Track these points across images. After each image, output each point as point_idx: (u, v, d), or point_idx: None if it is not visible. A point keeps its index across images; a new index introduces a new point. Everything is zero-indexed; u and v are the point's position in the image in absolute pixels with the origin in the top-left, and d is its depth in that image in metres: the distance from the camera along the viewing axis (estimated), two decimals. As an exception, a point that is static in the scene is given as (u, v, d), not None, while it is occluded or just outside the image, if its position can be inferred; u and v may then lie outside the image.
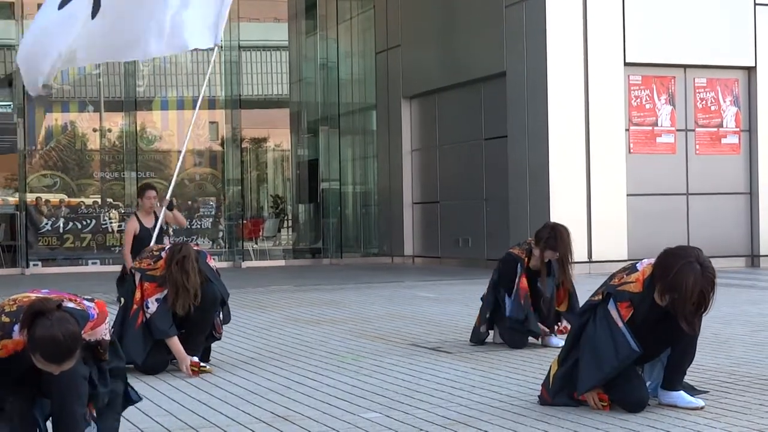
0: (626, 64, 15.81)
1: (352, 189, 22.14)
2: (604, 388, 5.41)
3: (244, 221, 21.35)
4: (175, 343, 6.89)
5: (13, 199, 20.59)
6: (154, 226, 10.98)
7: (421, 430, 5.03)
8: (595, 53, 15.60)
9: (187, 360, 6.85)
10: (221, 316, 7.29)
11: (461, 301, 11.53)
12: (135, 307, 6.92)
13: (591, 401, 5.41)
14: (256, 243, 21.94)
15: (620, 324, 5.31)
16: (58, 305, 3.98)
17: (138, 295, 6.95)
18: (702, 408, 5.33)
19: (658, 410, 5.35)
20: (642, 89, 16.08)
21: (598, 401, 5.39)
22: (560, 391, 5.52)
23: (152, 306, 6.89)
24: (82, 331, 4.02)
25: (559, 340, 7.76)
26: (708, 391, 5.75)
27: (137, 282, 6.98)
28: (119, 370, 4.39)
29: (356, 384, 6.33)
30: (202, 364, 6.98)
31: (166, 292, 6.88)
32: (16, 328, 4.00)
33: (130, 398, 4.51)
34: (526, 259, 7.69)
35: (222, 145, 21.56)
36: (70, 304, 4.07)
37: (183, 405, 5.79)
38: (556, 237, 7.54)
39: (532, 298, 7.68)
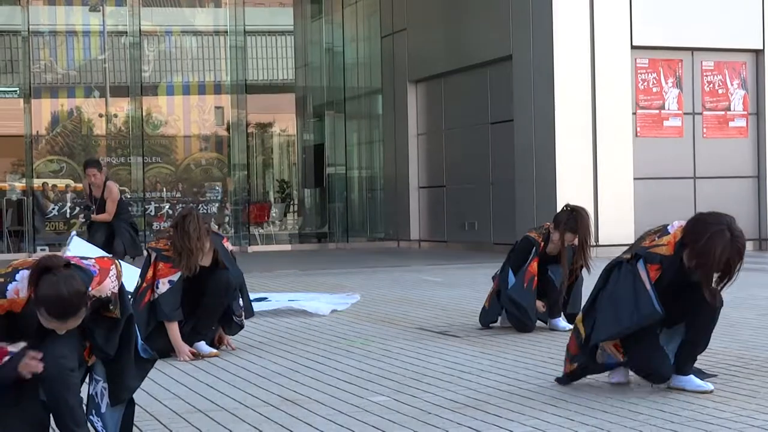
0: (633, 47, 15.76)
1: (357, 173, 22.12)
2: (625, 352, 5.38)
3: (250, 206, 21.35)
4: (174, 330, 6.84)
5: (19, 185, 20.61)
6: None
7: (430, 413, 5.02)
8: (601, 36, 15.55)
9: (185, 350, 6.82)
10: (242, 304, 7.21)
11: (468, 285, 11.53)
12: (144, 285, 6.87)
13: (607, 350, 5.41)
14: (262, 228, 21.94)
15: (648, 285, 5.25)
16: (66, 264, 4.00)
17: (150, 273, 6.86)
18: (711, 392, 5.32)
19: (666, 394, 5.34)
20: (649, 72, 16.03)
21: (616, 353, 5.39)
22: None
23: (162, 287, 6.83)
24: (90, 288, 4.03)
25: (566, 324, 7.76)
26: (717, 375, 5.75)
27: (152, 261, 6.92)
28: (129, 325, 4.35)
29: (364, 368, 6.33)
30: (208, 350, 6.96)
31: (179, 274, 6.86)
32: (11, 287, 4.01)
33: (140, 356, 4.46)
34: (542, 244, 7.65)
35: (228, 130, 21.56)
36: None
37: (191, 388, 5.80)
38: (576, 219, 7.48)
39: (538, 285, 7.64)
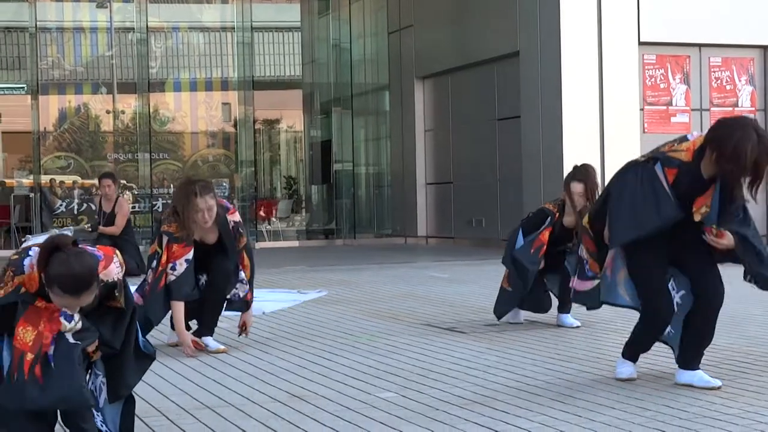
0: (640, 43, 15.72)
1: (365, 170, 22.12)
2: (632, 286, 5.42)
3: (257, 202, 21.36)
4: (179, 313, 6.80)
5: (27, 181, 20.65)
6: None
7: (437, 409, 5.02)
8: (609, 32, 15.51)
9: (187, 340, 6.80)
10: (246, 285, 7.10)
11: (475, 281, 11.53)
12: (160, 269, 6.83)
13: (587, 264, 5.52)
14: (270, 224, 21.96)
15: (666, 187, 5.20)
16: (74, 242, 4.01)
17: (165, 257, 6.84)
18: (719, 388, 5.31)
19: (674, 390, 5.33)
20: (656, 68, 16.00)
21: (594, 267, 5.48)
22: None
23: (180, 268, 6.80)
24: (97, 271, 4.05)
25: (573, 321, 7.75)
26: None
27: (164, 245, 6.89)
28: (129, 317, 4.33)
29: (371, 364, 6.33)
30: (215, 346, 6.96)
31: (193, 250, 6.82)
32: (26, 261, 4.01)
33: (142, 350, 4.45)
34: (557, 214, 7.63)
35: (235, 126, 21.57)
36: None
37: (198, 384, 5.80)
38: (582, 170, 7.52)
39: (546, 261, 7.59)
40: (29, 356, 3.91)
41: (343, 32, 21.91)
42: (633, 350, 5.63)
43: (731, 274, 5.72)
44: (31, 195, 19.88)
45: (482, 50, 17.56)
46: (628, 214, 5.28)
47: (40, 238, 4.52)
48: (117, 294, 4.18)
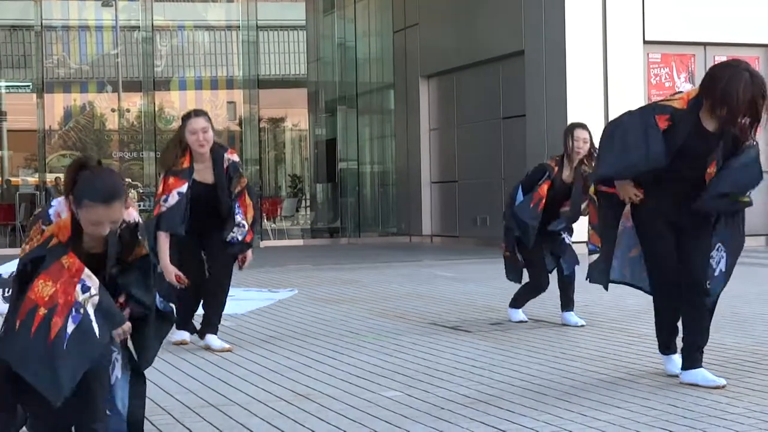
0: (645, 42, 15.72)
1: (370, 168, 22.13)
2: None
3: (262, 201, 21.37)
4: (164, 247, 6.71)
5: (32, 179, 20.68)
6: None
7: (442, 408, 5.02)
8: (614, 31, 15.51)
9: (171, 269, 6.69)
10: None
11: (480, 280, 11.53)
12: (154, 201, 6.85)
13: (625, 192, 5.40)
14: (275, 222, 21.97)
15: (657, 129, 5.21)
16: (99, 161, 4.01)
17: (160, 189, 6.84)
18: (723, 387, 5.31)
19: (680, 389, 5.33)
20: (661, 67, 15.99)
21: (633, 193, 5.36)
22: None
23: (171, 200, 6.77)
24: None
25: (577, 320, 7.74)
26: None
27: (161, 180, 6.91)
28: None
29: (376, 362, 6.33)
30: (220, 345, 6.96)
31: (187, 185, 6.80)
32: (51, 211, 3.98)
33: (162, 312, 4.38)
34: (556, 169, 7.64)
35: (240, 124, 21.58)
36: None
37: (203, 383, 5.81)
38: (577, 123, 7.66)
39: (546, 215, 7.59)
40: (42, 311, 3.79)
41: (348, 31, 21.92)
42: (662, 339, 5.61)
43: (741, 273, 5.71)
44: (37, 193, 19.90)
45: (487, 49, 17.55)
46: (617, 148, 5.33)
47: (9, 267, 4.48)
48: (140, 237, 4.13)
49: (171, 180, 6.83)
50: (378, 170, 22.00)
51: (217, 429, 4.74)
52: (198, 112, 6.98)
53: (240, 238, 6.94)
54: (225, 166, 6.96)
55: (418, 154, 19.78)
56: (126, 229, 4.06)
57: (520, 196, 7.66)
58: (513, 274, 7.97)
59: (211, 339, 6.99)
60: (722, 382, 5.35)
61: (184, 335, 7.15)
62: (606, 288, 5.82)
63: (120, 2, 20.98)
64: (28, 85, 20.74)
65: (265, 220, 20.85)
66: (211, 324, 7.05)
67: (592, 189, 5.67)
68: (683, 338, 5.49)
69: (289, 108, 24.33)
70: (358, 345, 7.05)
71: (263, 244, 19.79)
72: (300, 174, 24.93)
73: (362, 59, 21.69)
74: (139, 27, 20.76)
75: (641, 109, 5.38)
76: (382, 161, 21.84)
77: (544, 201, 7.53)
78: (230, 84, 21.75)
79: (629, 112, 5.39)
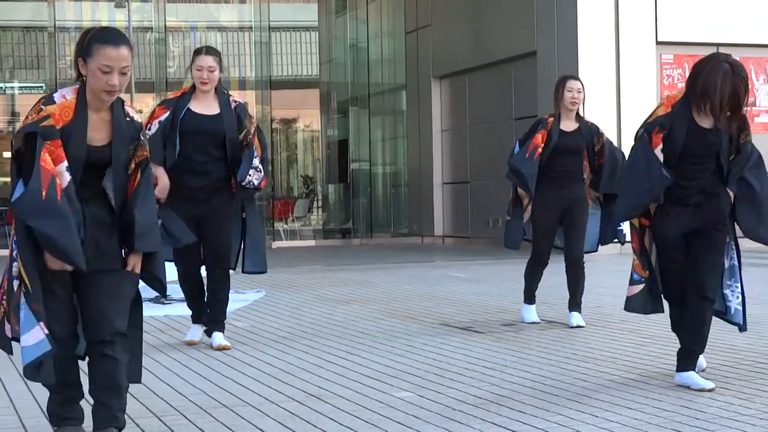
0: (658, 42, 15.70)
1: (382, 169, 22.14)
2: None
3: (274, 201, 21.39)
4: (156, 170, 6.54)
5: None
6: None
7: (454, 409, 5.03)
8: (626, 32, 15.49)
9: (165, 179, 6.61)
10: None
11: (491, 281, 11.53)
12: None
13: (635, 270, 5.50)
14: (287, 223, 21.99)
15: (654, 152, 5.24)
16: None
17: (148, 120, 6.77)
18: (711, 390, 5.27)
19: (691, 390, 5.32)
20: (674, 68, 15.97)
21: (641, 271, 5.46)
22: None
23: (152, 129, 6.71)
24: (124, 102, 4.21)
25: (578, 321, 7.69)
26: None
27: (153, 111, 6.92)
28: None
29: (388, 363, 6.34)
30: (221, 342, 6.97)
31: (168, 113, 6.73)
32: (56, 95, 4.10)
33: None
34: (551, 120, 7.78)
35: (252, 125, 21.59)
36: None
37: (215, 383, 5.82)
38: (569, 74, 7.91)
39: (547, 163, 7.66)
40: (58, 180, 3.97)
41: (360, 32, 21.94)
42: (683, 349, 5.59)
43: (753, 274, 5.70)
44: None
45: (499, 50, 17.55)
46: (627, 188, 5.42)
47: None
48: (143, 138, 4.24)
49: (156, 110, 6.85)
50: (390, 171, 22.01)
51: (230, 429, 4.75)
52: (209, 50, 6.90)
53: (256, 183, 6.84)
54: (233, 106, 6.92)
55: (430, 154, 19.79)
56: (130, 123, 4.19)
57: (516, 148, 7.87)
58: (512, 239, 7.93)
59: (216, 336, 7.01)
60: (711, 384, 5.30)
61: (196, 335, 7.16)
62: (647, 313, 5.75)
63: (133, 3, 21.03)
64: (42, 86, 20.80)
65: (277, 221, 20.88)
66: (218, 321, 7.04)
67: (636, 221, 5.63)
68: (681, 341, 5.47)
69: (301, 109, 24.36)
70: (370, 346, 7.06)
71: (275, 245, 19.82)
72: (312, 175, 24.95)
73: (374, 60, 21.71)
74: (151, 28, 20.82)
75: (641, 138, 5.34)
76: (394, 162, 21.86)
77: (540, 149, 7.68)
78: (242, 85, 21.77)
79: (633, 148, 5.41)
